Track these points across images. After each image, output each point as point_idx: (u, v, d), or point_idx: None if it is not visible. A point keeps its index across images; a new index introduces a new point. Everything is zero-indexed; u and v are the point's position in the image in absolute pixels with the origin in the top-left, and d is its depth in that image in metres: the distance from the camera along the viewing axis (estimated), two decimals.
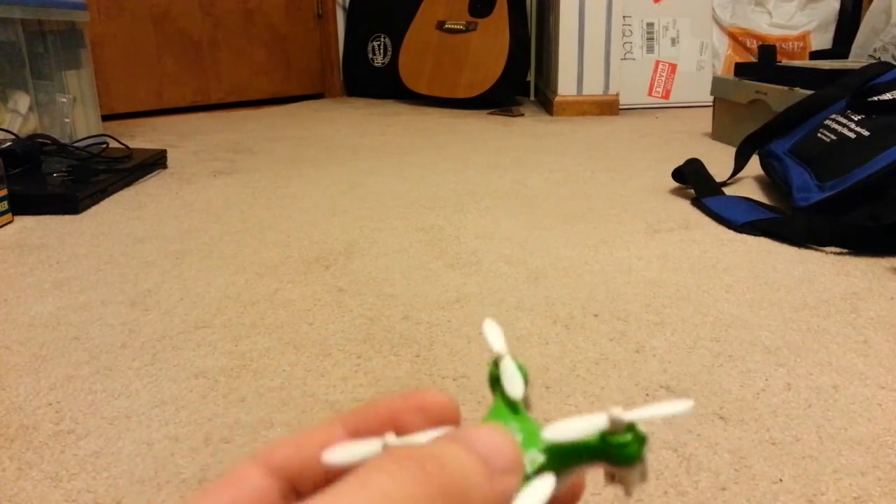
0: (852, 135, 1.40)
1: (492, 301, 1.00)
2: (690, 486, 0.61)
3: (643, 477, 0.21)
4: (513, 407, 0.22)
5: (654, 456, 0.66)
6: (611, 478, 0.21)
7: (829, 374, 0.80)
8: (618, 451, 0.20)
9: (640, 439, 0.21)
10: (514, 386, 0.22)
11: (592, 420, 0.20)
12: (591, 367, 0.82)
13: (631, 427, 0.21)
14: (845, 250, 1.20)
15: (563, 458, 0.20)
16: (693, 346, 0.87)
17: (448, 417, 0.21)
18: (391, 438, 0.19)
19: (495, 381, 0.23)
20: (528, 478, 0.19)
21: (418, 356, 0.84)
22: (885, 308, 0.97)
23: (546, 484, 0.19)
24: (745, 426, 0.71)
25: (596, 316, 0.95)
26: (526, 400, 0.22)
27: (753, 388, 0.78)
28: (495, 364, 0.23)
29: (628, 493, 0.21)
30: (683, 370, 0.81)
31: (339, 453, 0.19)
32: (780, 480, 0.62)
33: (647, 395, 0.78)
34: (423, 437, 0.20)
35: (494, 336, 0.24)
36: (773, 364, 0.83)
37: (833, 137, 1.44)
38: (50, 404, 0.76)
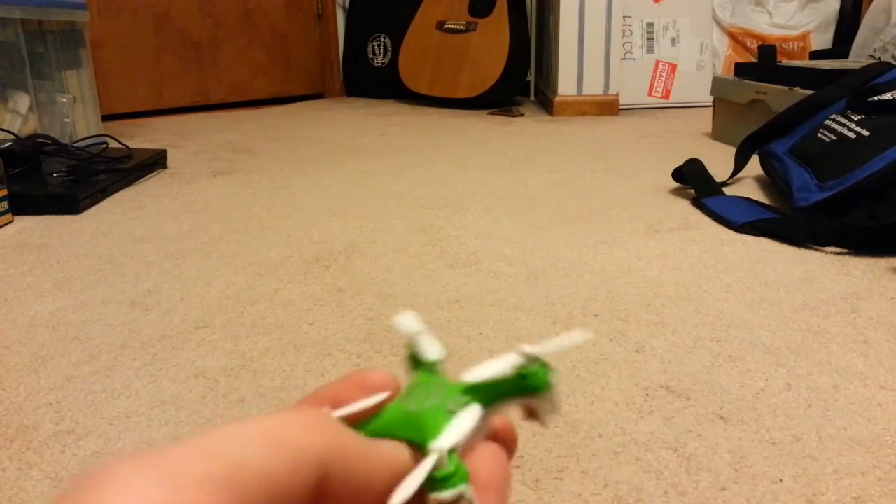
0: (852, 135, 1.40)
1: (492, 301, 1.00)
2: (690, 485, 0.61)
3: (554, 407, 0.23)
4: (431, 370, 0.23)
5: (653, 456, 0.66)
6: (528, 413, 0.23)
7: (829, 373, 0.80)
8: (529, 381, 0.22)
9: (547, 369, 0.22)
10: (431, 351, 0.23)
11: (505, 359, 0.22)
12: (591, 367, 0.82)
13: (539, 361, 0.22)
14: (845, 250, 1.20)
15: (485, 396, 0.22)
16: (693, 346, 0.87)
17: (386, 390, 0.22)
18: (326, 411, 0.20)
19: (413, 359, 0.24)
20: (453, 413, 0.21)
21: None
22: (885, 308, 0.97)
23: (473, 411, 0.21)
24: (745, 426, 0.71)
25: (596, 316, 0.95)
26: (442, 371, 0.23)
27: (753, 388, 0.78)
28: (410, 343, 0.24)
29: (544, 424, 0.23)
30: (683, 370, 0.81)
31: None
32: (780, 480, 0.62)
33: (648, 395, 0.78)
34: (356, 407, 0.21)
35: (409, 321, 0.24)
36: (773, 364, 0.83)
37: (833, 137, 1.44)
38: (50, 404, 0.76)
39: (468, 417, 0.21)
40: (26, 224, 1.41)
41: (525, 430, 0.70)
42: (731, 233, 1.31)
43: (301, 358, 0.85)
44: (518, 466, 0.64)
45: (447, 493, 0.19)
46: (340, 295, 1.03)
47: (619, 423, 0.71)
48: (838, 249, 1.21)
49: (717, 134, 2.32)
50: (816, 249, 1.21)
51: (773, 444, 0.68)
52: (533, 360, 0.22)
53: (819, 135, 1.49)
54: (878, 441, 0.68)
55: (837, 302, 1.00)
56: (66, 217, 1.45)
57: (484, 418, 0.22)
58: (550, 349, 0.22)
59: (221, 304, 1.00)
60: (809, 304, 0.99)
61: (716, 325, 0.92)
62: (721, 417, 0.73)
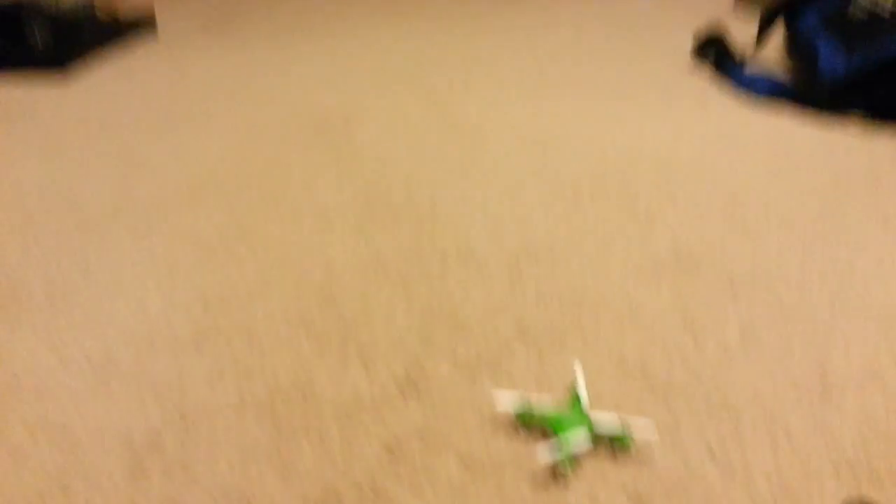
0: (886, 14, 1.30)
1: (497, 170, 0.96)
2: (697, 355, 0.60)
3: (624, 454, 0.49)
4: (580, 404, 0.52)
5: (660, 326, 0.64)
6: (611, 450, 0.49)
7: (845, 247, 0.77)
8: (617, 443, 0.49)
9: (632, 440, 0.49)
10: (582, 393, 0.52)
11: (613, 421, 0.50)
12: (601, 238, 0.79)
13: (626, 434, 0.49)
14: (869, 128, 1.14)
15: (597, 436, 0.50)
16: (706, 217, 0.83)
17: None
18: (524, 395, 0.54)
19: (575, 396, 0.53)
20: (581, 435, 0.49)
21: (421, 228, 0.81)
22: None
23: (586, 440, 0.49)
24: (755, 296, 0.69)
25: (606, 189, 0.92)
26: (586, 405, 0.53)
27: (766, 259, 0.75)
28: (575, 389, 0.53)
29: (617, 455, 0.49)
30: (695, 240, 0.78)
31: (505, 401, 0.53)
32: (790, 350, 0.60)
33: (657, 264, 0.75)
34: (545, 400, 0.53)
35: (578, 369, 0.56)
36: (789, 236, 0.80)
37: (865, 16, 1.34)
38: (42, 268, 0.74)
39: (585, 441, 0.49)
40: (12, 94, 1.35)
41: (529, 298, 0.68)
42: (750, 107, 1.24)
43: (300, 226, 0.82)
44: (521, 334, 0.62)
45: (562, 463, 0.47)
46: (340, 164, 0.99)
47: (626, 293, 0.69)
48: (862, 127, 1.15)
49: (742, 2, 2.17)
50: (839, 125, 1.15)
51: (784, 314, 0.66)
52: (624, 433, 0.49)
53: (851, 10, 1.39)
54: (891, 315, 0.66)
55: (859, 177, 0.95)
56: (55, 85, 1.39)
57: (590, 443, 0.49)
58: (636, 435, 0.50)
59: (217, 170, 0.97)
60: (829, 177, 0.95)
61: (730, 198, 0.89)
62: (731, 287, 0.71)
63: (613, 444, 0.49)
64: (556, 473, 0.46)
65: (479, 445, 0.49)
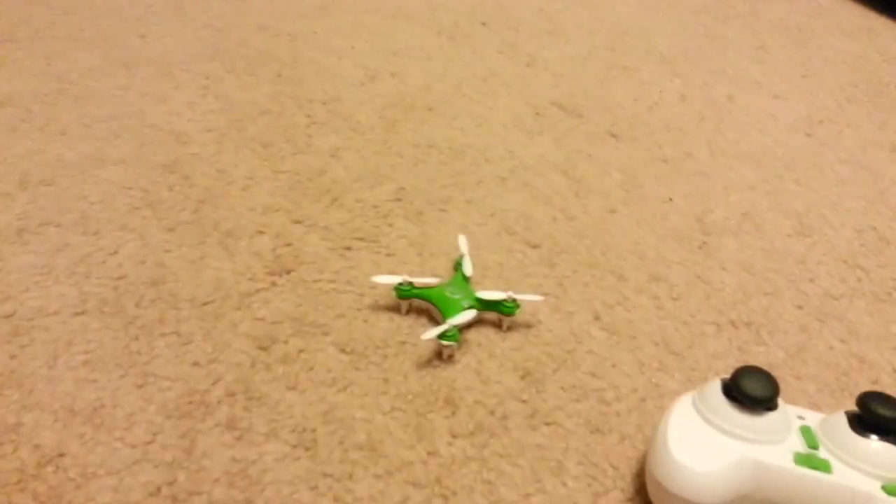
0: None
1: (365, 8, 0.85)
2: (580, 209, 0.58)
3: (511, 324, 0.47)
4: (465, 278, 0.49)
5: (543, 180, 0.61)
6: (498, 320, 0.47)
7: (724, 83, 0.76)
8: (507, 309, 0.46)
9: (517, 306, 0.46)
10: (468, 269, 0.49)
11: (499, 294, 0.46)
12: (479, 84, 0.73)
13: (514, 301, 0.46)
14: None
15: (481, 305, 0.46)
16: (587, 58, 0.79)
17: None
18: (404, 278, 0.47)
19: (458, 265, 0.50)
20: (465, 308, 0.46)
21: (280, 76, 0.72)
22: (783, 11, 0.91)
23: (472, 312, 0.45)
24: (637, 143, 0.67)
25: (484, 24, 0.84)
26: (470, 279, 0.49)
27: (647, 102, 0.73)
28: (459, 259, 0.50)
29: (505, 328, 0.47)
30: (576, 85, 0.74)
31: (382, 278, 0.47)
32: (671, 199, 0.60)
33: (538, 114, 0.71)
34: (424, 280, 0.47)
35: (463, 243, 0.51)
36: (669, 74, 0.77)
37: None
38: None
39: (469, 314, 0.45)
40: None
41: (407, 157, 0.62)
42: None
43: (134, 80, 0.70)
44: (399, 199, 0.57)
45: (447, 342, 0.43)
46: (180, 2, 0.84)
47: (508, 147, 0.65)
48: None
49: None
50: None
51: (665, 161, 0.65)
52: (511, 299, 0.46)
53: None
54: (768, 154, 0.67)
55: (737, 4, 0.93)
56: None
57: (476, 315, 0.46)
58: (521, 297, 0.46)
59: (26, 12, 0.80)
60: (708, 6, 0.92)
61: (612, 32, 0.84)
62: (613, 135, 0.68)
63: (500, 311, 0.46)
64: (441, 352, 0.44)
65: (359, 330, 0.46)
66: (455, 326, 0.44)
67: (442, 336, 0.43)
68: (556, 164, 0.63)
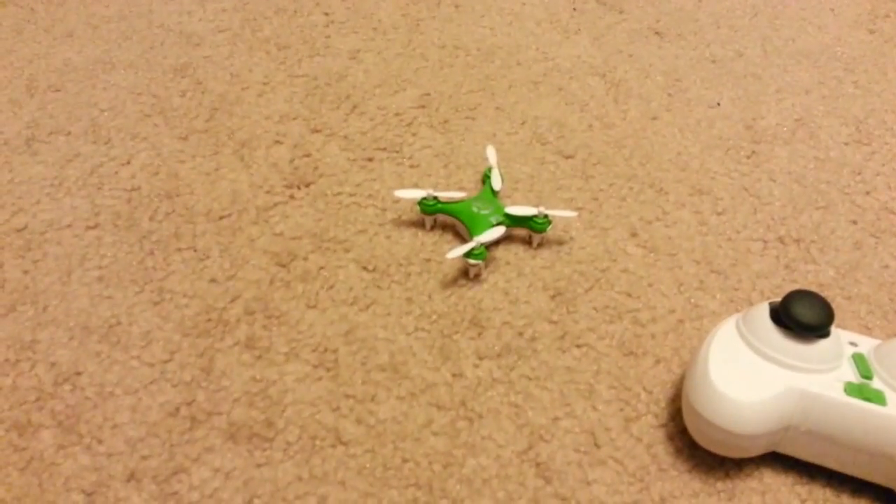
0: None
1: None
2: (618, 117, 0.54)
3: (542, 240, 0.44)
4: (493, 192, 0.45)
5: (579, 84, 0.56)
6: (528, 237, 0.44)
7: None
8: (538, 225, 0.43)
9: (549, 222, 0.43)
10: (496, 183, 0.45)
11: (530, 209, 0.42)
12: None
13: (546, 216, 0.43)
14: None
15: (511, 221, 0.43)
16: None
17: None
18: (429, 191, 0.44)
19: (486, 178, 0.46)
20: (493, 225, 0.42)
21: None
22: None
23: (500, 228, 0.42)
24: (682, 41, 0.62)
25: None
26: (499, 192, 0.46)
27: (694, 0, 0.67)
28: (488, 170, 0.46)
29: (535, 245, 0.44)
30: None
31: (405, 192, 0.43)
32: (718, 104, 0.55)
33: (575, 9, 0.65)
34: (449, 194, 0.44)
35: (491, 154, 0.46)
36: None
37: None
38: None
39: (497, 230, 0.42)
40: None
41: (432, 59, 0.58)
42: None
43: None
44: (423, 107, 0.54)
45: (473, 261, 0.41)
46: None
47: (541, 47, 0.60)
48: None
49: None
50: None
51: (713, 61, 0.59)
52: (543, 215, 0.42)
53: None
54: (826, 53, 0.61)
55: None
56: None
57: (504, 232, 0.42)
58: (553, 213, 0.43)
59: None
60: None
61: None
62: (657, 32, 0.63)
63: (530, 228, 0.43)
64: (467, 270, 0.42)
65: (382, 247, 0.43)
66: (482, 244, 0.41)
67: (468, 254, 0.41)
68: (594, 66, 0.58)
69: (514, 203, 0.46)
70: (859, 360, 0.32)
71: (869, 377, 0.32)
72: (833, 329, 0.33)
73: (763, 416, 0.31)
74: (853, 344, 0.33)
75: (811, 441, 0.32)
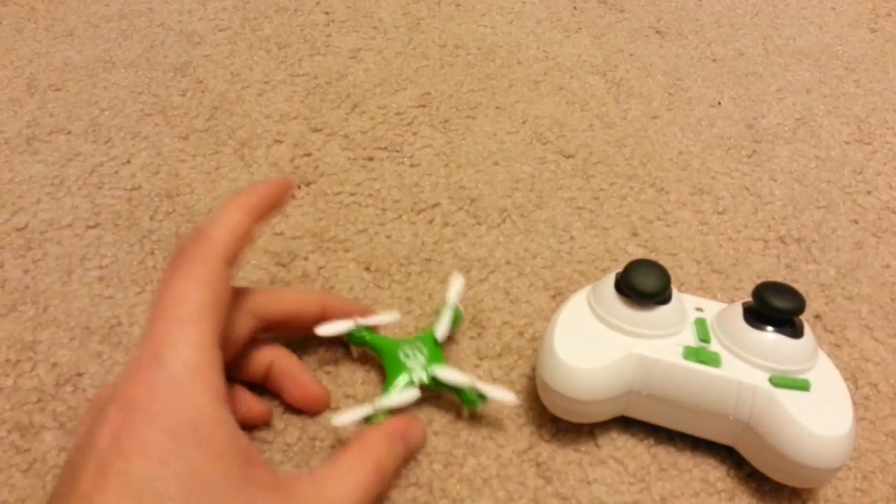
0: None
1: None
2: (619, 116, 0.53)
3: (473, 413, 0.35)
4: (436, 341, 0.36)
5: (579, 83, 0.56)
6: (460, 407, 0.35)
7: None
8: (467, 399, 0.34)
9: (483, 398, 0.34)
10: (440, 331, 0.36)
11: (463, 378, 0.33)
12: None
13: (480, 393, 0.34)
14: None
15: (438, 386, 0.34)
16: None
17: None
18: (359, 320, 0.35)
19: (438, 313, 0.37)
20: (410, 383, 0.34)
21: None
22: None
23: (414, 393, 0.34)
24: (683, 40, 0.62)
25: None
26: (448, 335, 0.37)
27: None
28: (441, 306, 0.37)
29: (467, 416, 0.35)
30: None
31: (327, 328, 0.35)
32: (719, 104, 0.55)
33: (576, 8, 0.65)
34: (377, 320, 0.36)
35: (455, 288, 0.37)
36: None
37: None
38: None
39: (409, 394, 0.33)
40: None
41: (432, 57, 0.58)
42: None
43: None
44: (424, 106, 0.54)
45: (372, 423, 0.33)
46: None
47: (542, 46, 0.60)
48: None
49: None
50: None
51: (714, 60, 0.59)
52: (475, 391, 0.34)
53: None
54: (827, 52, 0.61)
55: None
56: None
57: (416, 397, 0.34)
58: (488, 391, 0.34)
59: None
60: None
61: None
62: (658, 31, 0.63)
63: (459, 399, 0.34)
64: (468, 271, 0.42)
65: (382, 246, 0.43)
66: (382, 411, 0.33)
67: (369, 419, 0.33)
68: (595, 66, 0.58)
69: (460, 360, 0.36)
70: (700, 325, 0.33)
71: (707, 340, 0.32)
72: (676, 295, 0.33)
73: (603, 382, 0.32)
74: (699, 309, 0.34)
75: (655, 404, 0.33)
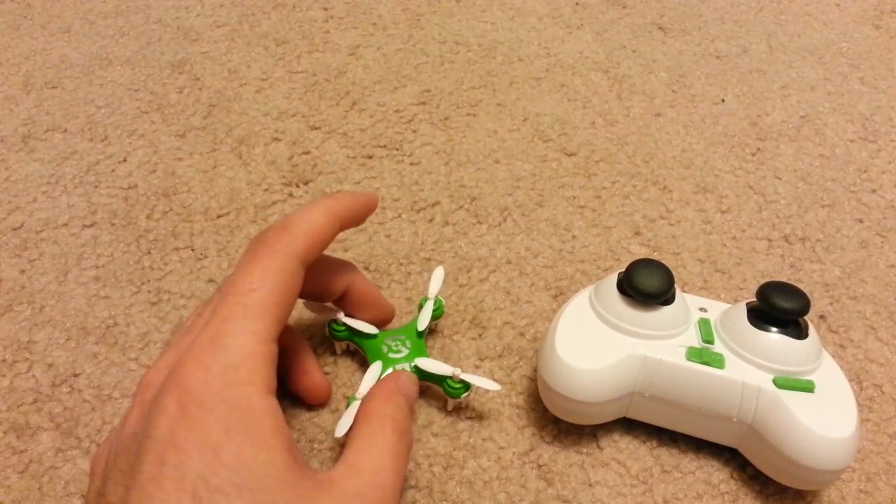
0: None
1: None
2: (621, 113, 0.53)
3: (454, 404, 0.35)
4: (418, 332, 0.36)
5: (581, 80, 0.56)
6: (445, 397, 0.35)
7: None
8: (451, 389, 0.34)
9: (467, 387, 0.34)
10: (422, 322, 0.36)
11: (445, 368, 0.34)
12: None
13: (464, 383, 0.34)
14: None
15: (422, 376, 0.34)
16: None
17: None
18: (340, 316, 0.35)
19: (421, 306, 0.37)
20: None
21: None
22: None
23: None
24: (687, 37, 0.61)
25: None
26: (429, 325, 0.37)
27: None
28: (423, 300, 0.37)
29: (452, 408, 0.35)
30: None
31: (314, 306, 0.36)
32: (722, 101, 0.54)
33: (578, 3, 0.65)
34: (365, 327, 0.35)
35: (435, 280, 0.37)
36: None
37: None
38: None
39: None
40: None
41: (432, 54, 0.58)
42: None
43: None
44: (424, 103, 0.53)
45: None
46: None
47: (543, 42, 0.60)
48: None
49: None
50: None
51: (718, 57, 0.59)
52: (458, 379, 0.34)
53: None
54: (831, 49, 0.60)
55: None
56: None
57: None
58: (473, 380, 0.33)
59: None
60: None
61: None
62: (661, 28, 0.62)
63: (443, 389, 0.34)
64: (468, 270, 0.41)
65: (381, 246, 0.43)
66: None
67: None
68: (597, 62, 0.58)
69: (445, 349, 0.37)
70: (703, 325, 0.33)
71: (710, 341, 0.32)
72: (679, 295, 0.33)
73: (605, 383, 0.31)
74: (702, 310, 0.34)
75: (657, 406, 0.32)
